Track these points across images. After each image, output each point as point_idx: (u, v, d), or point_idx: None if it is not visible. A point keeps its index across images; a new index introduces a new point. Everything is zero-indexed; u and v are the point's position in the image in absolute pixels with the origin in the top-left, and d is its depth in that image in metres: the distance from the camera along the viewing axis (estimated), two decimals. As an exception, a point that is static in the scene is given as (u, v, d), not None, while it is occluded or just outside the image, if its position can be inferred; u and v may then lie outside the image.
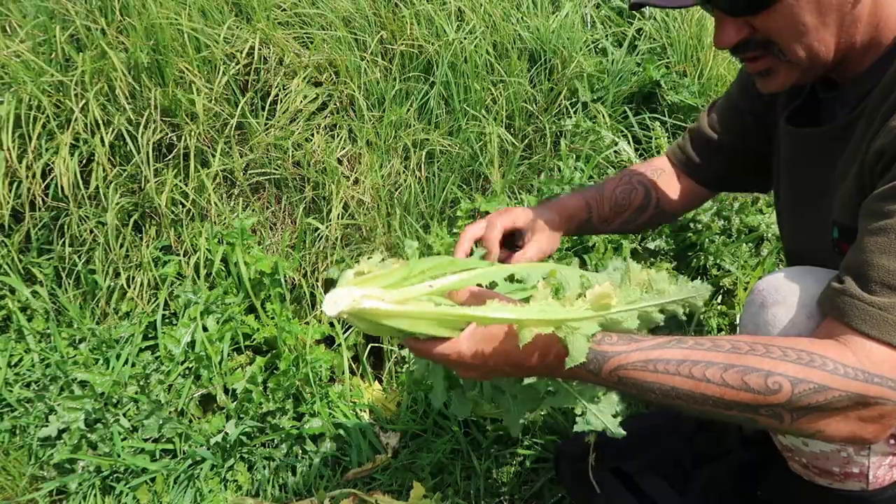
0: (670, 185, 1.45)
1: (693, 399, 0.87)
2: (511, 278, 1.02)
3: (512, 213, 1.31)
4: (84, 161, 2.24)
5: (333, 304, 0.88)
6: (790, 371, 0.83)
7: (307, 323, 2.10)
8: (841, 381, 0.83)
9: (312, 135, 2.28)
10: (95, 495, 1.81)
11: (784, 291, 1.00)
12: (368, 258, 0.98)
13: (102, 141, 2.18)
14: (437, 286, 0.92)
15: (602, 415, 1.02)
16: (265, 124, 2.28)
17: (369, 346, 2.07)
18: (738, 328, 1.05)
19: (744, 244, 2.06)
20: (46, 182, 2.21)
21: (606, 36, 2.58)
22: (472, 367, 0.94)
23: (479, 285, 1.00)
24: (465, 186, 2.28)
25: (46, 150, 2.21)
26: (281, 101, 2.30)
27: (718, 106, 1.40)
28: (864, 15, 0.96)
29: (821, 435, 0.87)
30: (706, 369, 0.86)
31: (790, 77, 1.03)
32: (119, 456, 1.83)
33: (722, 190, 1.57)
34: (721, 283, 2.03)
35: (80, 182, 2.19)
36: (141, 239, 2.22)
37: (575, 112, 2.39)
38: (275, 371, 1.97)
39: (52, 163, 2.19)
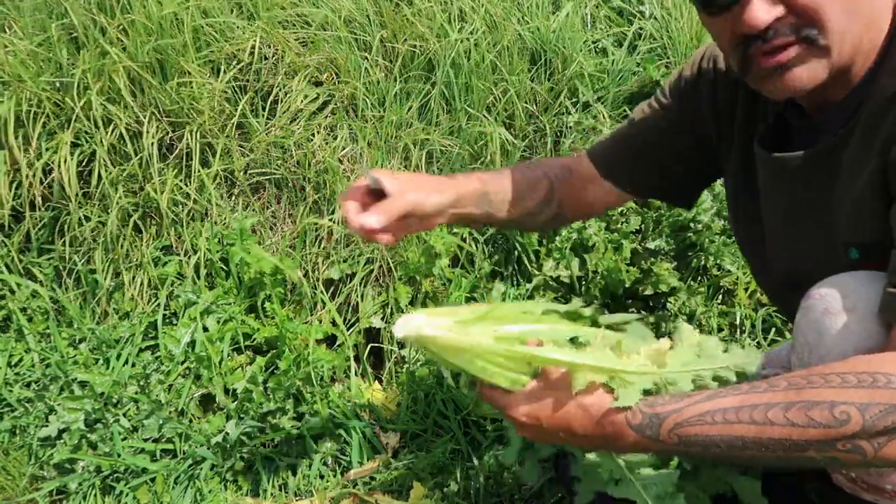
0: (576, 188, 1.34)
1: (762, 446, 0.82)
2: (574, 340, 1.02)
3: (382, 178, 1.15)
4: (85, 160, 2.24)
5: (402, 326, 0.95)
6: (855, 397, 0.79)
7: (308, 323, 2.10)
8: None
9: (313, 134, 2.28)
10: (95, 495, 1.81)
11: (853, 298, 0.93)
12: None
13: (102, 140, 2.18)
14: (501, 332, 0.96)
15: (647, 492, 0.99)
16: (266, 124, 2.28)
17: (369, 346, 2.08)
18: (793, 335, 1.01)
19: (744, 244, 2.06)
20: (47, 181, 2.21)
21: (606, 36, 2.58)
22: (527, 425, 0.95)
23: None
24: (465, 186, 2.28)
25: (47, 149, 2.21)
26: (281, 101, 2.30)
27: (651, 114, 1.32)
28: (880, 16, 0.95)
29: None
30: (767, 411, 0.82)
31: (813, 74, 0.93)
32: (119, 456, 1.83)
33: (645, 196, 1.47)
34: (721, 284, 2.04)
35: (81, 181, 2.19)
36: (141, 239, 2.22)
37: (576, 112, 2.38)
38: (275, 371, 1.97)
39: (53, 162, 2.19)
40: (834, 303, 0.94)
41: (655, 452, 0.95)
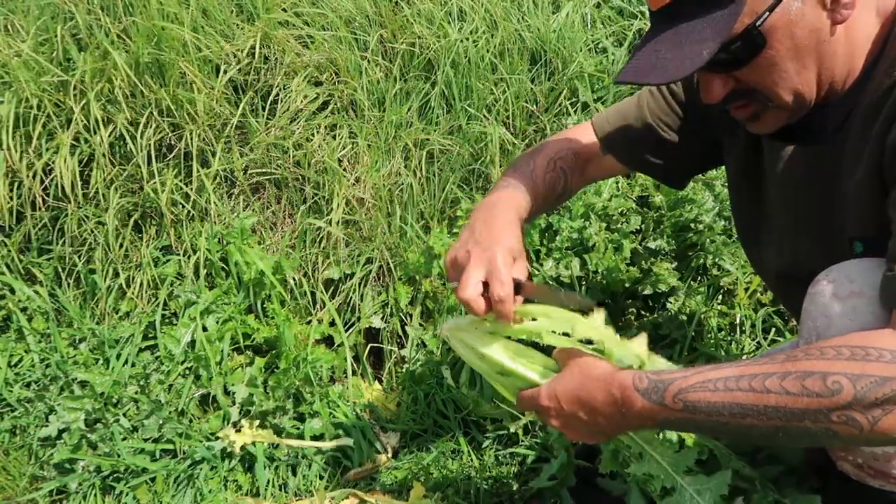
0: (585, 170, 1.41)
1: (760, 413, 0.86)
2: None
3: (500, 255, 1.16)
4: (84, 161, 2.24)
5: (446, 325, 1.15)
6: (847, 369, 0.82)
7: (308, 323, 2.10)
8: None
9: (313, 134, 2.28)
10: (95, 495, 1.81)
11: (860, 283, 0.95)
12: None
13: (102, 140, 2.18)
14: (523, 309, 1.11)
15: (701, 497, 1.00)
16: (265, 124, 2.28)
17: (369, 346, 2.08)
18: (800, 322, 1.04)
19: (744, 244, 2.06)
20: (46, 182, 2.21)
21: (606, 35, 2.57)
22: (550, 409, 1.05)
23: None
24: (465, 186, 2.28)
25: (47, 149, 2.21)
26: (281, 101, 2.30)
27: (657, 99, 1.34)
28: (841, 45, 0.97)
29: None
30: (765, 380, 0.86)
31: (779, 120, 1.04)
32: (119, 456, 1.83)
33: (643, 173, 1.54)
34: (721, 284, 2.03)
35: (81, 182, 2.19)
36: (141, 239, 2.22)
37: (576, 112, 2.38)
38: (275, 371, 1.97)
39: (53, 162, 2.19)
40: (842, 288, 0.96)
41: (663, 424, 0.96)
